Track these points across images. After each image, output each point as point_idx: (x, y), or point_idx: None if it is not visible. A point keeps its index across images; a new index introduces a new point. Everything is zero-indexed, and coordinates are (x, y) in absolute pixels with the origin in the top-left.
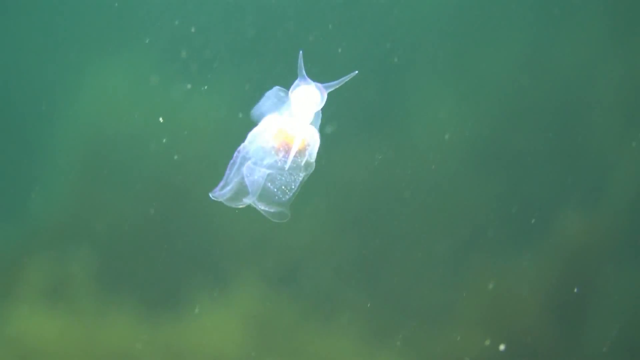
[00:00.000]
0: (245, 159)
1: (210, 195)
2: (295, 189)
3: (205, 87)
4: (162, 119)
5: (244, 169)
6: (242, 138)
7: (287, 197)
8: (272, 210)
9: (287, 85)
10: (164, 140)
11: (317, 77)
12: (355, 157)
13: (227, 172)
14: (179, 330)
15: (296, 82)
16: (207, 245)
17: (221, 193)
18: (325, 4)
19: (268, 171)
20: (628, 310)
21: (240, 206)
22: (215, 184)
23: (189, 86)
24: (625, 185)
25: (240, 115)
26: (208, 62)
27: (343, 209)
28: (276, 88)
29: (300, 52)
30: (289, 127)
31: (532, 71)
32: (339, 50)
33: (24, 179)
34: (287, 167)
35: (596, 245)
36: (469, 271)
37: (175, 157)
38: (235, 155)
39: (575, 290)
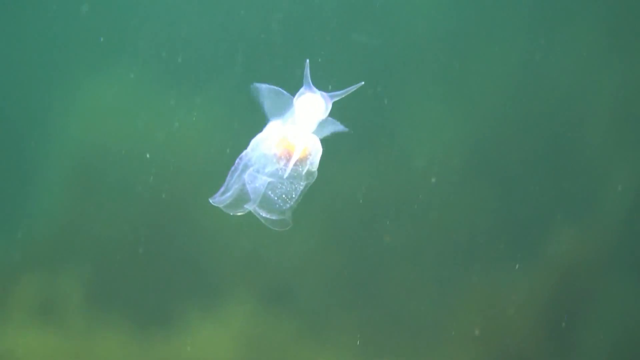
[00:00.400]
0: (247, 166)
1: (210, 200)
2: (297, 197)
3: (195, 108)
4: (149, 154)
5: (246, 176)
6: (236, 150)
7: (288, 205)
8: (273, 218)
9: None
10: (148, 156)
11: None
12: (348, 175)
13: (228, 178)
14: (171, 348)
15: (301, 90)
16: (199, 263)
17: (221, 199)
18: (315, 37)
19: (269, 179)
20: (622, 326)
21: (240, 213)
22: (208, 200)
23: (181, 104)
24: (620, 200)
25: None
26: (197, 86)
27: (336, 226)
28: (277, 89)
29: (307, 60)
30: (291, 135)
31: (525, 88)
32: (329, 87)
33: (15, 196)
34: (286, 175)
35: (590, 260)
36: (461, 287)
37: (165, 189)
38: (237, 161)
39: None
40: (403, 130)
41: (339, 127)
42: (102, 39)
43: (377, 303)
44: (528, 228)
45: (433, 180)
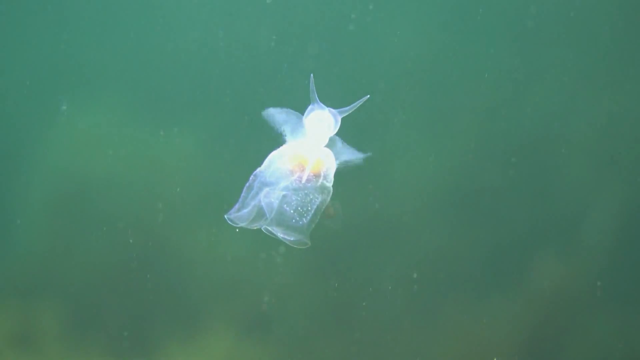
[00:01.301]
0: (261, 182)
1: (226, 217)
2: (312, 212)
3: (177, 129)
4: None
5: (260, 192)
6: (220, 178)
7: (304, 220)
8: (290, 237)
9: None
10: (135, 187)
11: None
12: (330, 203)
13: (243, 194)
14: None
15: (310, 107)
16: (178, 292)
17: (237, 215)
18: (301, 75)
19: (283, 193)
20: (604, 355)
21: (256, 227)
22: (190, 228)
23: (162, 132)
24: (602, 230)
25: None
26: (183, 111)
27: (317, 255)
28: (285, 110)
29: (312, 75)
30: (303, 151)
31: (507, 116)
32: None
33: None
34: (302, 182)
35: (572, 291)
36: (444, 317)
37: (145, 221)
38: (251, 178)
39: None
40: (387, 162)
41: (355, 155)
42: (84, 71)
43: (358, 332)
44: (511, 259)
45: (417, 211)
